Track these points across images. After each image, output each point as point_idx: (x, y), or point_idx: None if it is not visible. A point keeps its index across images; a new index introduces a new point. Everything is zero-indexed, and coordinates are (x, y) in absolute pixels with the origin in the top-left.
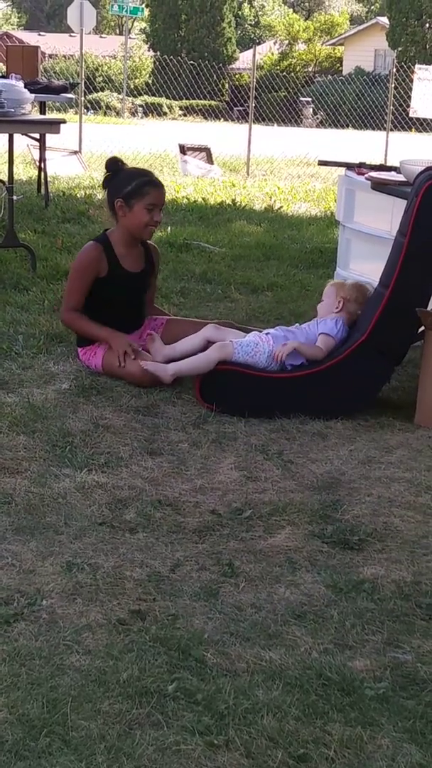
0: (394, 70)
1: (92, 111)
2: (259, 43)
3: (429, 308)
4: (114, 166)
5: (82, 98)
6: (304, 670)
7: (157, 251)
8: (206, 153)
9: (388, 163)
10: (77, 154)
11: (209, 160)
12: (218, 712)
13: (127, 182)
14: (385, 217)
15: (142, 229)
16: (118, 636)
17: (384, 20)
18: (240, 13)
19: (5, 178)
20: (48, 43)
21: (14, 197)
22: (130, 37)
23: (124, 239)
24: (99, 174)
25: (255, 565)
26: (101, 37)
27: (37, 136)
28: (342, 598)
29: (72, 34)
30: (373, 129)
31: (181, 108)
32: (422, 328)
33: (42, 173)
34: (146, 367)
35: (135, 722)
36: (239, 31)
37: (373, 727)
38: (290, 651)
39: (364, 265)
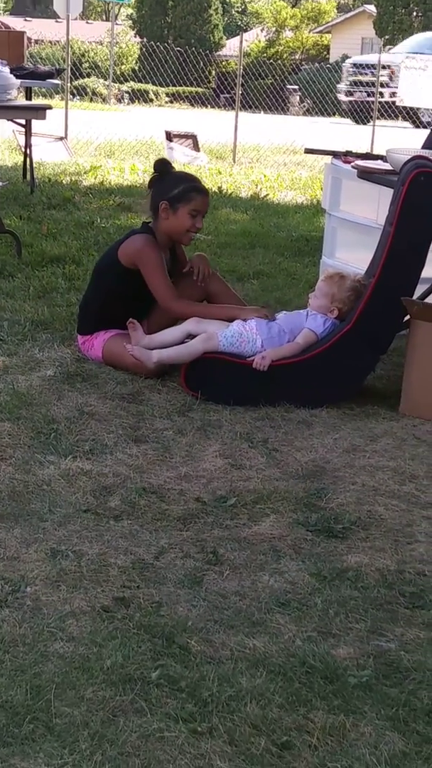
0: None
1: (78, 97)
2: (246, 30)
3: (414, 297)
4: (162, 167)
5: (68, 84)
6: (287, 658)
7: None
8: (192, 140)
9: (375, 152)
10: (63, 141)
11: (195, 147)
12: (202, 700)
13: (173, 185)
14: (372, 206)
15: (183, 234)
16: (102, 623)
17: (371, 8)
18: None
19: None
20: (34, 28)
21: None
22: (116, 23)
23: (162, 240)
24: (85, 160)
25: (239, 553)
26: (88, 22)
27: (22, 121)
28: (326, 586)
29: (58, 20)
30: (360, 117)
31: (167, 95)
32: (407, 317)
33: (27, 159)
34: (132, 353)
35: (118, 709)
36: (226, 18)
37: (356, 715)
38: (274, 639)
39: (350, 253)
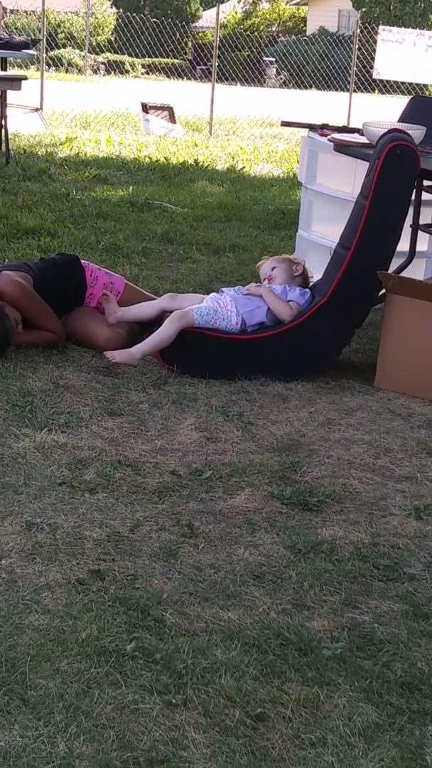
0: (358, 31)
1: (54, 68)
2: (222, 2)
3: (390, 271)
4: None
5: (44, 55)
6: (262, 630)
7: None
8: (169, 112)
9: (351, 125)
10: (39, 112)
11: (172, 119)
12: (176, 672)
13: None
14: (348, 179)
15: None
16: (77, 596)
17: None
18: None
19: None
20: None
21: None
22: None
23: None
24: (60, 131)
25: (214, 526)
26: None
27: None
28: (300, 559)
29: None
30: (337, 90)
31: (143, 66)
32: (383, 290)
33: (3, 130)
34: (113, 359)
35: (93, 681)
36: None
37: (330, 687)
38: (248, 611)
39: (326, 226)
